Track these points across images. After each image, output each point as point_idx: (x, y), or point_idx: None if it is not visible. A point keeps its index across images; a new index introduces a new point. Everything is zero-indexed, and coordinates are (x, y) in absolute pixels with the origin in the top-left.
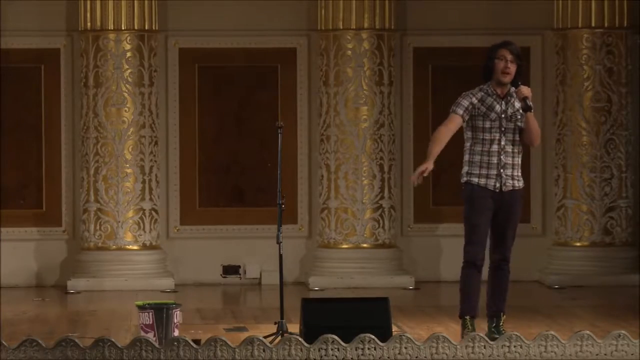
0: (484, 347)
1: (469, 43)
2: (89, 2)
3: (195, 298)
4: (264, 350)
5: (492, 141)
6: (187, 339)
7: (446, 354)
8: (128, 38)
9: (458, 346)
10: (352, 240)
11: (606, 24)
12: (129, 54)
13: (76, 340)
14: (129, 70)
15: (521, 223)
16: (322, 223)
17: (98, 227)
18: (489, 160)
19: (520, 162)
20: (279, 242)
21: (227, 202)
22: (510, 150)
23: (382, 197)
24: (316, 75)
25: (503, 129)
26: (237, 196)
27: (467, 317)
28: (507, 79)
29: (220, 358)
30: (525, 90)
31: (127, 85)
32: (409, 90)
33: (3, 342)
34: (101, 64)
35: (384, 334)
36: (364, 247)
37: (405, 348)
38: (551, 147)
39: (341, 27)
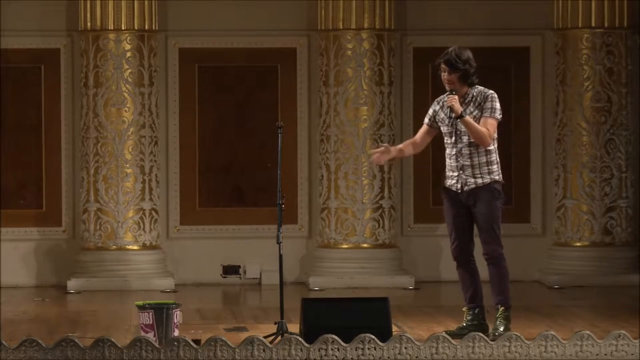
0: (484, 347)
1: (469, 43)
2: (89, 2)
3: (195, 298)
4: (264, 350)
5: (451, 144)
6: (187, 339)
7: (446, 354)
8: (128, 38)
9: (458, 346)
10: (352, 240)
11: (606, 24)
12: (129, 54)
13: (76, 340)
14: (129, 70)
15: (521, 223)
16: (322, 223)
17: (98, 227)
18: (450, 163)
19: (483, 160)
20: (279, 242)
21: (227, 202)
22: (467, 152)
23: (382, 197)
24: (316, 75)
25: (458, 132)
26: (237, 196)
27: (464, 308)
28: (450, 87)
29: (220, 358)
30: (449, 100)
31: (127, 85)
32: (409, 90)
33: (3, 342)
34: (101, 64)
35: (384, 334)
36: (364, 247)
37: (405, 348)
38: (551, 147)
39: (341, 27)
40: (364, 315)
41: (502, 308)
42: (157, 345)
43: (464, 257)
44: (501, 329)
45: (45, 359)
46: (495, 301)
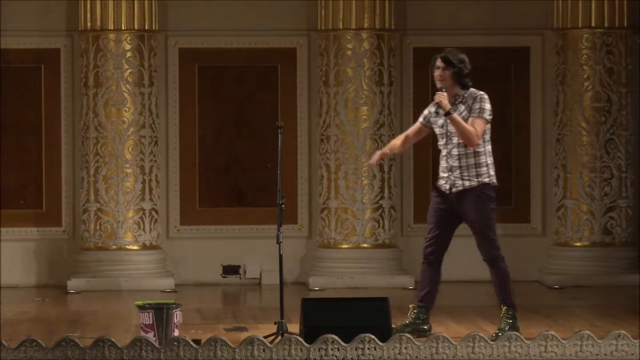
0: (484, 347)
1: (469, 43)
2: (89, 2)
3: (195, 298)
4: (264, 350)
5: (442, 145)
6: (187, 339)
7: (446, 354)
8: (128, 38)
9: (458, 346)
10: (352, 240)
11: (606, 24)
12: (129, 54)
13: (76, 340)
14: (129, 70)
15: (521, 223)
16: (322, 223)
17: (98, 227)
18: (442, 164)
19: (471, 162)
20: (279, 242)
21: (227, 202)
22: (456, 153)
23: (382, 197)
24: (316, 75)
25: (449, 133)
26: (237, 196)
27: (411, 305)
28: (440, 85)
29: (220, 358)
30: (437, 96)
31: (127, 85)
32: (409, 90)
33: (3, 342)
34: (101, 64)
35: (384, 334)
36: (364, 247)
37: (405, 348)
38: (551, 147)
39: (341, 27)
40: (364, 315)
41: (505, 307)
42: (157, 345)
43: (434, 256)
44: (506, 328)
45: (45, 359)
46: (498, 301)
